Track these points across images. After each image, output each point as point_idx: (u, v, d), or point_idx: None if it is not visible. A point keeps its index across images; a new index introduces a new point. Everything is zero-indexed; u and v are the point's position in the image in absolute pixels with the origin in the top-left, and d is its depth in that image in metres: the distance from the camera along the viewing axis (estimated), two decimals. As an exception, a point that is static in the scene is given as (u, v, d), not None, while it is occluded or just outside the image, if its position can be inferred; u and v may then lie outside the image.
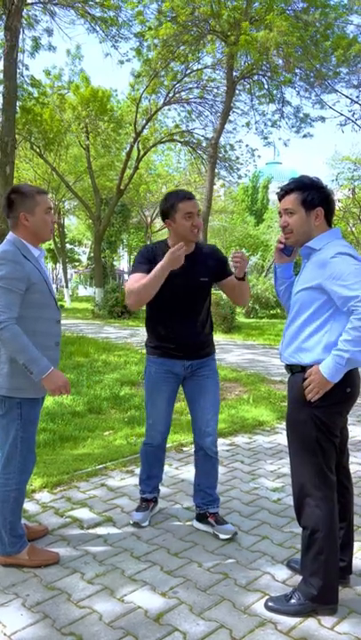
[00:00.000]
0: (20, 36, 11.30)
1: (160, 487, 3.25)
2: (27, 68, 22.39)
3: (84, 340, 11.47)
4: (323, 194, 2.32)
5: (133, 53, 15.35)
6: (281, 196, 2.38)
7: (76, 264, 46.82)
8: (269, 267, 24.20)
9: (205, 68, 16.65)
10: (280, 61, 13.97)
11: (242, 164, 19.95)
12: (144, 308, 2.90)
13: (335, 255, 2.18)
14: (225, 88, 15.77)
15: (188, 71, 16.52)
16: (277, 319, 19.34)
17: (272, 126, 16.97)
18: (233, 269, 2.76)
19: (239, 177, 21.61)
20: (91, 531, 2.97)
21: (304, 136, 16.76)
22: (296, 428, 2.34)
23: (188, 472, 3.84)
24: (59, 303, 3.01)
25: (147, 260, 2.78)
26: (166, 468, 3.52)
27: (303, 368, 2.28)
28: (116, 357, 9.04)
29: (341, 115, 15.97)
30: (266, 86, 16.04)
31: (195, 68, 16.57)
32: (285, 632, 2.16)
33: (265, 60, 13.88)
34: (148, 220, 29.53)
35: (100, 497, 3.41)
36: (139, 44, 15.11)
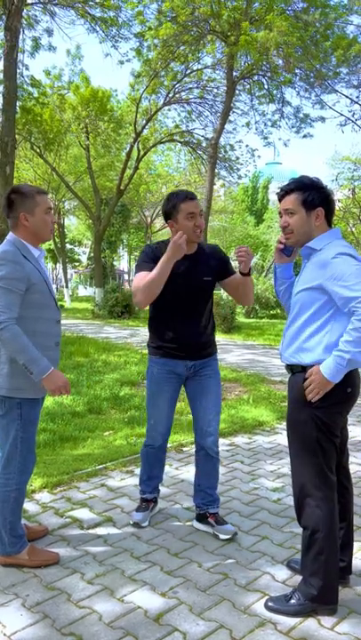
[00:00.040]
0: (20, 37, 11.31)
1: (160, 487, 3.25)
2: (27, 68, 22.49)
3: (84, 340, 11.47)
4: (323, 194, 2.32)
5: (133, 53, 15.36)
6: (281, 197, 2.38)
7: (76, 264, 46.82)
8: (269, 267, 24.22)
9: (205, 68, 16.66)
10: (280, 61, 13.97)
11: (242, 164, 19.97)
12: (146, 308, 2.90)
13: (336, 256, 2.18)
14: (225, 88, 15.78)
15: (188, 71, 16.53)
16: (277, 319, 19.35)
17: (272, 126, 16.98)
18: (238, 265, 2.75)
19: (239, 177, 21.63)
20: (91, 531, 2.97)
21: (304, 136, 16.76)
22: (297, 429, 2.34)
23: (188, 472, 3.84)
24: (59, 303, 3.01)
25: (150, 258, 2.78)
26: (166, 468, 3.52)
27: (304, 368, 2.28)
28: (116, 357, 9.04)
29: (341, 115, 15.99)
30: (266, 86, 16.04)
31: (195, 68, 16.58)
32: (285, 632, 2.16)
33: (265, 60, 13.88)
34: (148, 220, 29.55)
35: (100, 497, 3.41)
36: (139, 45, 15.12)
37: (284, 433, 4.95)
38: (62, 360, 8.16)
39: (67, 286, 32.27)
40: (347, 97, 15.58)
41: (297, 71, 14.55)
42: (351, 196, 25.41)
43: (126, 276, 51.49)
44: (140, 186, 25.52)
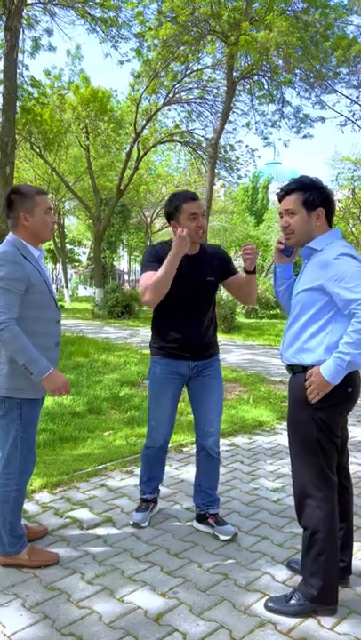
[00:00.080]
0: (20, 37, 11.30)
1: (160, 487, 3.24)
2: (27, 69, 22.54)
3: (84, 340, 11.47)
4: (323, 194, 2.32)
5: (133, 54, 15.35)
6: (281, 197, 2.37)
7: (76, 264, 46.81)
8: (269, 267, 24.21)
9: (205, 68, 16.66)
10: (280, 62, 13.97)
11: (242, 164, 19.97)
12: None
13: (338, 257, 2.18)
14: (225, 88, 15.77)
15: (188, 71, 16.52)
16: (277, 319, 19.35)
17: (272, 126, 16.98)
18: (243, 262, 2.74)
19: (239, 177, 21.63)
20: (90, 531, 2.97)
21: (304, 136, 16.75)
22: (297, 429, 2.33)
23: (188, 472, 3.84)
24: (59, 303, 3.01)
25: (155, 258, 2.77)
26: (166, 468, 3.51)
27: (305, 368, 2.28)
28: (116, 357, 9.04)
29: (341, 115, 15.98)
30: (266, 86, 16.03)
31: (195, 68, 16.57)
32: (285, 632, 2.16)
33: (265, 60, 13.88)
34: (148, 220, 29.55)
35: (100, 497, 3.41)
36: (139, 45, 15.12)
37: (284, 433, 4.97)
38: (62, 360, 8.16)
39: (67, 286, 32.28)
40: (347, 97, 15.59)
41: (297, 71, 14.55)
42: (351, 196, 25.42)
43: (126, 277, 51.50)
44: (140, 186, 25.52)
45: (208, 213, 16.28)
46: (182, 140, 19.43)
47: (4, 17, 10.82)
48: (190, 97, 17.76)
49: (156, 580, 2.50)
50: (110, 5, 13.18)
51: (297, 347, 2.31)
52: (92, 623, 2.19)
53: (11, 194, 2.54)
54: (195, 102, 17.76)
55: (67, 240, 37.84)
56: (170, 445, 4.23)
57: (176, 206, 2.75)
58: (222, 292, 14.55)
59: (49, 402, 5.62)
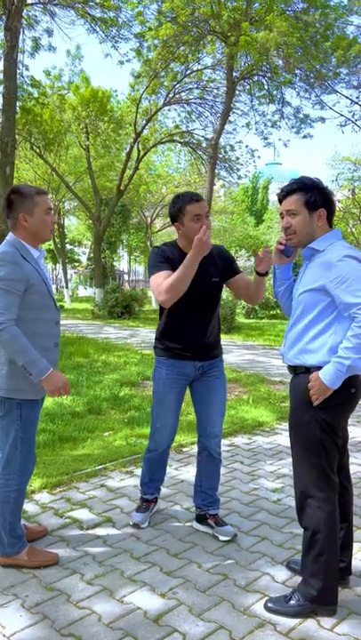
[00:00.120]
0: (20, 37, 11.31)
1: (160, 487, 3.24)
2: (27, 69, 22.57)
3: (84, 340, 11.47)
4: (325, 195, 2.32)
5: (133, 54, 15.36)
6: (282, 197, 2.37)
7: (76, 264, 46.78)
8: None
9: (205, 68, 16.66)
10: (280, 62, 13.98)
11: (242, 164, 19.98)
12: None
13: (342, 258, 2.18)
14: (225, 89, 15.78)
15: (188, 72, 16.53)
16: (277, 320, 19.34)
17: (272, 127, 16.99)
18: (256, 264, 2.71)
19: (239, 177, 21.62)
20: (90, 531, 2.96)
21: (304, 137, 16.76)
22: (300, 429, 2.33)
23: (188, 473, 3.84)
24: (59, 304, 3.00)
25: (164, 258, 2.76)
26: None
27: (308, 369, 2.27)
28: (116, 358, 9.04)
29: (341, 115, 15.98)
30: (266, 87, 16.04)
31: (195, 68, 16.58)
32: (285, 633, 2.16)
33: (265, 60, 13.88)
34: (148, 220, 29.52)
35: (100, 497, 3.41)
36: (139, 45, 15.13)
37: (284, 433, 4.97)
38: (62, 360, 8.16)
39: (67, 287, 32.28)
40: (347, 97, 15.59)
41: (297, 72, 14.56)
42: (351, 196, 25.41)
43: (126, 277, 51.49)
44: (140, 186, 25.51)
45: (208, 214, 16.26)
46: (182, 141, 19.44)
47: (4, 17, 10.83)
48: (190, 97, 17.78)
49: (156, 581, 2.50)
50: (110, 5, 13.19)
51: (300, 348, 2.31)
52: (92, 624, 2.19)
53: (10, 194, 2.53)
54: (195, 102, 17.77)
55: (67, 240, 37.84)
56: (170, 446, 4.23)
57: (180, 208, 2.74)
58: (222, 293, 14.53)
59: (49, 402, 5.62)
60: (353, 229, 27.14)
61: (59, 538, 2.89)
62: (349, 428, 2.59)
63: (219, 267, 2.85)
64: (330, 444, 2.26)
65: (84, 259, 46.19)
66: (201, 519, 3.01)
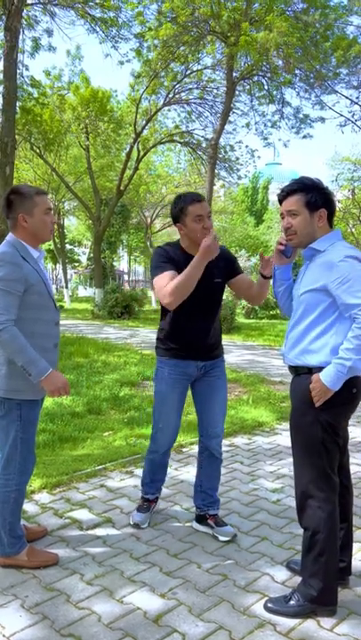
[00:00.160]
0: (20, 37, 11.31)
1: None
2: (27, 69, 22.54)
3: (84, 340, 11.46)
4: (325, 195, 2.32)
5: (133, 54, 15.37)
6: (283, 198, 2.36)
7: (76, 264, 46.78)
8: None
9: (205, 68, 16.67)
10: (280, 62, 13.98)
11: (242, 164, 19.99)
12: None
13: (344, 259, 2.18)
14: (225, 89, 15.79)
15: (188, 72, 16.54)
16: (277, 320, 19.34)
17: (272, 127, 17.00)
18: (262, 267, 2.71)
19: (239, 177, 21.64)
20: (90, 532, 2.96)
21: (304, 137, 16.76)
22: (301, 430, 2.32)
23: (188, 473, 3.84)
24: (58, 304, 3.00)
25: (167, 259, 2.76)
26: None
27: (310, 369, 2.27)
28: (116, 358, 9.04)
29: (341, 115, 15.99)
30: (266, 87, 16.05)
31: (195, 68, 16.59)
32: (285, 633, 2.16)
33: (265, 60, 13.89)
34: (148, 220, 29.52)
35: (100, 498, 3.41)
36: (139, 45, 15.13)
37: (284, 433, 4.96)
38: (62, 360, 8.15)
39: (66, 287, 32.27)
40: (347, 97, 15.60)
41: (297, 72, 14.56)
42: (351, 196, 25.42)
43: (126, 277, 51.48)
44: (140, 186, 25.51)
45: (208, 214, 16.25)
46: (182, 141, 19.44)
47: (3, 17, 10.83)
48: (190, 97, 17.79)
49: (156, 581, 2.50)
50: (110, 6, 13.19)
51: (301, 348, 2.31)
52: (92, 624, 2.19)
53: (10, 194, 2.53)
54: (195, 103, 17.78)
55: (66, 240, 37.82)
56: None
57: (181, 208, 2.73)
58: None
59: (48, 402, 5.62)
60: (353, 229, 27.14)
61: (58, 538, 2.88)
62: (349, 429, 2.58)
63: (221, 267, 2.84)
64: (331, 445, 2.26)
65: (83, 259, 46.19)
66: (201, 519, 3.01)
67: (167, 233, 33.98)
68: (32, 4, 12.85)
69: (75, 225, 40.72)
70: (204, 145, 18.39)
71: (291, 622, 2.22)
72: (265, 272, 2.70)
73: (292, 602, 2.27)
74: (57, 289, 39.66)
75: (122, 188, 20.08)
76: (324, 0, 13.52)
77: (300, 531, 2.37)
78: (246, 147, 23.32)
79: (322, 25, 13.53)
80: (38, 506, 3.27)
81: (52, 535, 2.91)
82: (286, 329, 2.45)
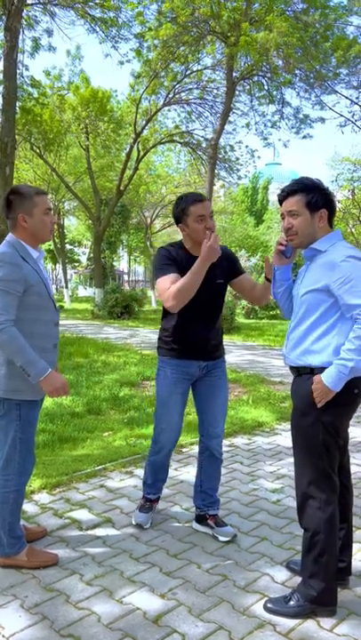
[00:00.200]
0: (20, 37, 11.30)
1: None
2: (27, 69, 22.56)
3: (84, 340, 11.46)
4: (326, 195, 2.32)
5: (133, 54, 15.36)
6: (283, 198, 2.36)
7: (76, 264, 46.79)
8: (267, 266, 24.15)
9: (205, 68, 16.67)
10: (280, 62, 13.98)
11: (242, 164, 19.99)
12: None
13: (346, 259, 2.18)
14: (225, 89, 15.79)
15: (188, 72, 16.54)
16: (277, 320, 19.35)
17: (272, 127, 16.99)
18: (267, 271, 2.72)
19: (239, 178, 21.63)
20: (90, 532, 2.96)
21: (304, 137, 16.76)
22: (303, 430, 2.32)
23: (188, 473, 3.84)
24: (58, 304, 3.00)
25: (171, 260, 2.75)
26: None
27: (312, 370, 2.27)
28: (116, 358, 9.04)
29: (341, 116, 15.99)
30: (266, 87, 16.05)
31: (195, 68, 16.59)
32: (284, 634, 2.15)
33: (265, 60, 13.89)
34: (148, 220, 29.52)
35: (100, 498, 3.41)
36: (139, 45, 15.12)
37: (284, 434, 4.96)
38: (62, 360, 8.15)
39: (66, 287, 32.28)
40: (347, 98, 15.60)
41: (297, 72, 14.56)
42: (351, 196, 25.42)
43: (126, 277, 51.48)
44: (140, 186, 25.51)
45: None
46: (182, 141, 19.44)
47: (3, 17, 10.82)
48: (190, 97, 17.80)
49: (156, 581, 2.50)
50: (110, 6, 13.19)
51: (303, 348, 2.30)
52: (91, 624, 2.19)
53: (9, 194, 2.53)
54: (195, 103, 17.78)
55: (66, 240, 37.83)
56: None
57: (183, 209, 2.72)
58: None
59: (48, 402, 5.62)
60: (353, 230, 27.15)
61: (58, 538, 2.88)
62: (349, 429, 2.58)
63: (223, 268, 2.84)
64: (332, 446, 2.26)
65: (83, 259, 46.20)
66: (201, 519, 3.01)
67: (167, 233, 33.97)
68: (32, 4, 12.84)
69: (75, 225, 40.73)
70: (204, 145, 18.39)
71: (291, 623, 2.22)
72: (270, 276, 2.70)
73: (291, 602, 2.27)
74: (57, 289, 39.67)
75: (122, 188, 20.08)
76: (324, 0, 13.51)
77: (300, 531, 2.37)
78: (246, 147, 23.39)
79: (322, 25, 13.53)
80: (38, 506, 3.27)
81: (51, 535, 2.91)
82: (287, 329, 2.45)
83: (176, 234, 34.24)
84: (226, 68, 15.27)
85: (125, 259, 48.20)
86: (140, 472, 3.81)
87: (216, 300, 2.88)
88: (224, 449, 4.35)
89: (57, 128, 19.84)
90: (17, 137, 13.96)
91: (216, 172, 17.93)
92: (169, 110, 19.10)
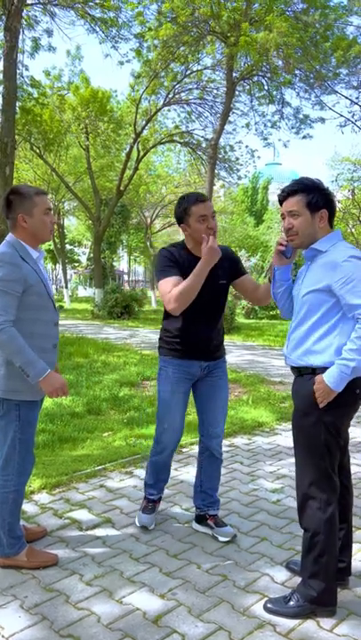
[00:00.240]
0: (20, 37, 11.29)
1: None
2: (26, 69, 22.55)
3: (84, 340, 11.46)
4: (326, 196, 2.32)
5: (133, 54, 15.35)
6: (283, 198, 2.36)
7: (76, 265, 46.78)
8: (269, 267, 24.19)
9: (205, 68, 16.66)
10: (280, 62, 13.97)
11: (242, 164, 19.98)
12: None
13: (348, 259, 2.18)
14: (225, 89, 15.78)
15: (188, 72, 16.52)
16: (277, 320, 19.34)
17: (272, 127, 16.97)
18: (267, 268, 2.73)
19: (239, 178, 21.61)
20: (90, 532, 2.96)
21: (304, 137, 16.75)
22: (304, 431, 2.31)
23: (188, 473, 3.84)
24: (58, 304, 3.00)
25: (173, 262, 2.75)
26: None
27: (314, 370, 2.27)
28: (116, 358, 9.04)
29: (341, 116, 15.97)
30: (266, 87, 16.04)
31: (195, 68, 16.57)
32: (284, 634, 2.15)
33: (265, 61, 13.88)
34: (148, 220, 29.52)
35: (99, 498, 3.41)
36: (139, 45, 15.11)
37: (284, 434, 4.96)
38: (61, 361, 8.15)
39: (66, 287, 32.27)
40: (347, 98, 15.59)
41: (297, 72, 14.54)
42: (351, 197, 25.42)
43: (126, 277, 51.47)
44: (140, 186, 25.51)
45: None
46: (182, 141, 19.44)
47: (3, 17, 10.82)
48: (190, 97, 17.78)
49: (155, 582, 2.50)
50: (110, 6, 13.18)
51: (305, 349, 2.30)
52: (91, 625, 2.19)
53: (9, 194, 2.53)
54: (195, 103, 17.77)
55: (66, 240, 37.82)
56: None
57: (185, 209, 2.72)
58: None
59: (48, 402, 5.61)
60: (353, 230, 27.15)
61: (58, 538, 2.88)
62: (349, 429, 2.58)
63: (225, 268, 2.84)
64: (333, 446, 2.26)
65: (83, 259, 46.19)
66: (200, 520, 3.01)
67: (167, 233, 33.98)
68: (32, 4, 12.84)
69: (75, 225, 40.72)
70: (203, 145, 18.38)
71: (290, 623, 2.22)
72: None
73: (291, 602, 2.27)
74: (57, 289, 39.65)
75: (122, 188, 20.08)
76: (324, 0, 13.51)
77: (300, 531, 2.37)
78: (246, 147, 23.37)
79: (322, 25, 13.52)
80: (38, 506, 3.27)
81: (51, 535, 2.91)
82: (288, 329, 2.45)
83: (176, 234, 34.25)
84: (226, 68, 15.26)
85: (125, 259, 48.20)
86: (140, 472, 3.81)
87: (218, 301, 2.88)
88: (224, 449, 4.35)
89: (57, 128, 19.84)
90: (17, 137, 13.97)
91: (216, 172, 17.92)
92: (169, 110, 19.11)
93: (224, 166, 19.66)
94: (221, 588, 2.46)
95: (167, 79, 16.47)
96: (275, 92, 16.02)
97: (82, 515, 3.16)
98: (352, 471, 2.57)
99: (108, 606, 2.31)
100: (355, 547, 2.59)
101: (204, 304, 2.77)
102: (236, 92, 16.01)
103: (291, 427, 2.46)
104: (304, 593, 2.27)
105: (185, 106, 18.05)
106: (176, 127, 19.21)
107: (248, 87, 16.33)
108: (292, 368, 2.40)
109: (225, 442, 4.59)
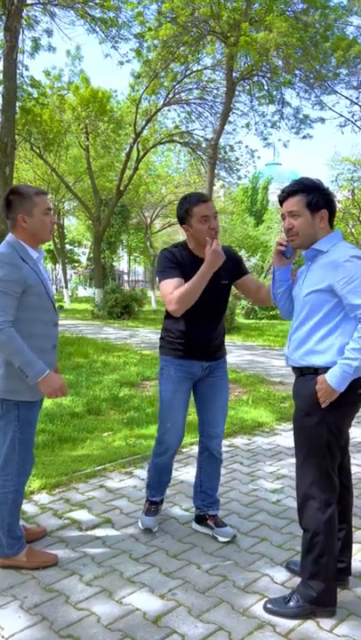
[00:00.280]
0: (20, 37, 11.30)
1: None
2: (26, 69, 22.52)
3: (84, 340, 11.46)
4: (326, 196, 2.32)
5: (133, 54, 15.35)
6: (283, 198, 2.36)
7: (76, 265, 46.78)
8: (269, 267, 24.20)
9: (205, 68, 16.66)
10: (280, 62, 13.97)
11: (241, 164, 19.98)
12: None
13: (349, 259, 2.18)
14: (225, 89, 15.78)
15: (188, 72, 16.53)
16: (277, 320, 19.34)
17: (272, 127, 16.97)
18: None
19: (239, 178, 21.62)
20: (89, 532, 2.96)
21: (304, 137, 16.75)
22: (306, 431, 2.31)
23: (188, 473, 3.84)
24: (58, 304, 3.00)
25: (175, 262, 2.75)
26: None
27: (316, 370, 2.27)
28: (116, 358, 9.03)
29: (341, 116, 15.97)
30: (266, 87, 16.04)
31: (194, 68, 16.58)
32: (284, 634, 2.15)
33: (265, 61, 13.88)
34: (148, 220, 29.52)
35: (99, 498, 3.41)
36: (138, 45, 15.11)
37: (284, 434, 4.96)
38: (61, 361, 8.15)
39: (66, 287, 32.27)
40: (346, 98, 15.59)
41: (297, 72, 14.54)
42: (351, 197, 25.43)
43: (126, 277, 51.47)
44: (140, 186, 25.51)
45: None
46: (182, 141, 19.44)
47: (3, 17, 10.82)
48: (190, 97, 17.79)
49: (155, 582, 2.50)
50: (110, 6, 13.18)
51: (307, 349, 2.30)
52: (91, 625, 2.18)
53: (9, 194, 2.53)
54: (194, 103, 17.77)
55: (66, 240, 37.81)
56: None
57: (187, 209, 2.72)
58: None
59: (48, 402, 5.61)
60: (353, 230, 27.15)
61: (58, 539, 2.88)
62: (350, 429, 2.58)
63: (228, 268, 2.83)
64: (335, 446, 2.26)
65: (83, 259, 46.18)
66: (200, 520, 3.01)
67: (167, 233, 33.98)
68: (32, 4, 12.83)
69: (75, 225, 40.72)
70: (203, 145, 18.38)
71: (290, 623, 2.22)
72: None
73: (291, 603, 2.27)
74: (57, 289, 39.66)
75: (122, 188, 20.08)
76: (324, 0, 13.51)
77: (300, 531, 2.37)
78: (246, 147, 23.37)
79: (322, 25, 13.52)
80: (37, 506, 3.27)
81: (51, 536, 2.91)
82: (289, 330, 2.45)
83: (176, 234, 34.25)
84: (226, 69, 15.26)
85: (125, 259, 48.20)
86: (140, 472, 3.81)
87: (219, 301, 2.88)
88: (224, 449, 4.34)
89: (57, 128, 19.84)
90: (17, 137, 13.97)
91: (216, 172, 17.92)
92: (169, 110, 19.10)
93: (224, 166, 19.66)
94: (221, 589, 2.46)
95: (167, 79, 16.47)
96: (275, 92, 16.03)
97: (82, 515, 3.16)
98: (352, 471, 2.57)
99: (108, 606, 2.30)
100: (355, 547, 2.59)
101: (205, 304, 2.77)
102: (236, 92, 16.01)
103: (291, 427, 2.45)
104: (304, 593, 2.27)
105: (185, 106, 18.06)
106: (176, 127, 19.22)
107: (248, 87, 16.33)
108: (294, 368, 2.40)
109: (225, 442, 4.59)
